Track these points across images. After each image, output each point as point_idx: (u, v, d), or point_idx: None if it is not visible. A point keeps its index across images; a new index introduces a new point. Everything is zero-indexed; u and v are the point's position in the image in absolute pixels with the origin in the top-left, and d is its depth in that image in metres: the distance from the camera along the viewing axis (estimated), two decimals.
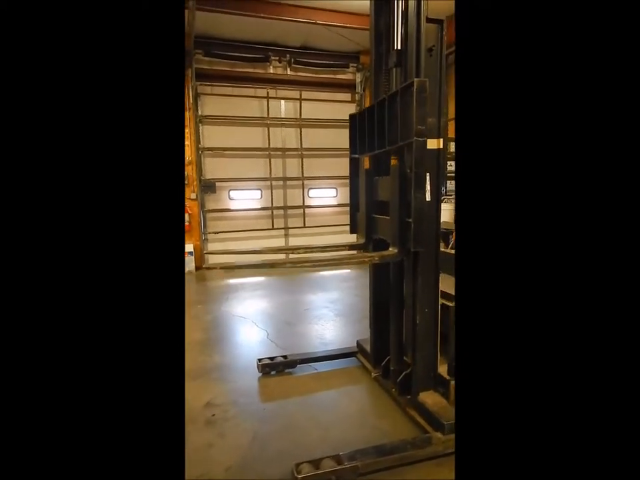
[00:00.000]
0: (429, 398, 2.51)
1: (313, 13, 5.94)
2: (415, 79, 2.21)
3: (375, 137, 2.72)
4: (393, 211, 2.56)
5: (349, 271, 7.86)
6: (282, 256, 4.01)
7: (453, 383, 2.52)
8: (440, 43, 2.33)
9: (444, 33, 2.30)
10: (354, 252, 3.51)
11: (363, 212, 2.98)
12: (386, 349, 2.93)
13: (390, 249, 2.63)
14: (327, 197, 8.76)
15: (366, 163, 2.96)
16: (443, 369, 2.60)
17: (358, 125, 2.99)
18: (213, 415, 2.70)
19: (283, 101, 8.09)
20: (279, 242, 8.48)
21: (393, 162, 2.53)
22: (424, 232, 2.39)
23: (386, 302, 2.93)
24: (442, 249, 2.98)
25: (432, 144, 2.43)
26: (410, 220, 2.39)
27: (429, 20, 2.24)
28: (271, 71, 7.85)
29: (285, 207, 8.42)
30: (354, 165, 3.13)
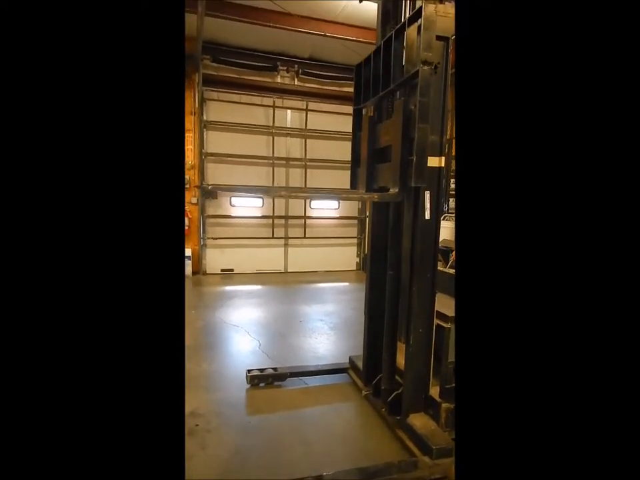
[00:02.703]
0: (419, 420, 2.44)
1: (322, 25, 5.98)
2: (424, 4, 2.18)
3: (380, 78, 2.71)
4: (395, 150, 2.51)
5: (346, 283, 7.81)
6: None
7: (444, 405, 2.45)
8: (445, 61, 2.31)
9: (449, 50, 2.29)
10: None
11: (365, 162, 2.92)
12: (378, 367, 2.87)
13: (390, 190, 2.57)
14: (328, 208, 8.75)
15: (370, 110, 2.93)
16: (434, 391, 2.54)
17: (363, 71, 2.98)
18: (196, 425, 2.63)
19: (289, 111, 8.13)
20: (279, 251, 8.45)
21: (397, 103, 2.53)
22: (425, 169, 2.32)
23: (381, 319, 2.87)
24: (440, 268, 2.95)
25: (433, 162, 2.41)
26: (412, 157, 2.33)
27: (437, 37, 2.22)
28: (279, 81, 7.89)
29: (287, 217, 8.40)
30: (357, 116, 3.10)
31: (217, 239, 7.91)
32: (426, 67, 2.22)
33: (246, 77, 7.59)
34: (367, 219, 7.83)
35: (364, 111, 3.06)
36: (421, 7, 2.20)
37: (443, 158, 2.44)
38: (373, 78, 2.80)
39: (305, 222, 8.51)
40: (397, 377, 2.72)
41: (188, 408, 2.79)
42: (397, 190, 2.48)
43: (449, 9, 2.18)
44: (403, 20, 2.54)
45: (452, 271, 3.15)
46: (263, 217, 8.23)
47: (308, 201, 8.52)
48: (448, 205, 7.75)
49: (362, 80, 2.99)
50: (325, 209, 8.72)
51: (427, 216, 2.46)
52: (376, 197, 2.71)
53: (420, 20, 2.23)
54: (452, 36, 2.25)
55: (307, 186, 8.38)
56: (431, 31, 2.20)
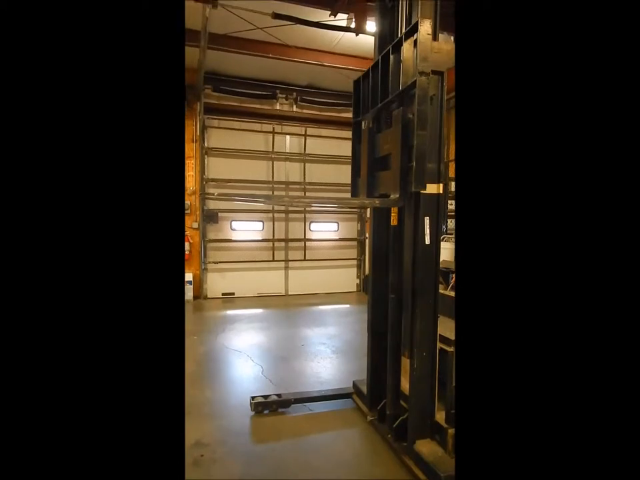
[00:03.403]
0: (425, 447, 2.43)
1: (320, 55, 6.20)
2: (420, 18, 2.30)
3: (378, 91, 2.81)
4: (395, 157, 2.58)
5: (347, 305, 7.80)
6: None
7: (450, 431, 2.44)
8: (440, 93, 2.42)
9: (444, 83, 2.39)
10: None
11: (365, 171, 2.99)
12: (383, 392, 2.87)
13: (391, 196, 2.62)
14: (328, 230, 8.82)
15: (369, 122, 3.02)
16: (440, 416, 2.53)
17: (362, 86, 3.10)
18: (202, 455, 2.61)
19: (288, 136, 8.30)
20: (279, 274, 8.47)
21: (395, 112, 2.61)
22: (424, 174, 2.38)
23: (384, 343, 2.88)
24: (441, 291, 2.98)
25: (432, 189, 2.48)
26: (411, 163, 2.38)
27: (432, 72, 2.33)
28: (278, 108, 8.10)
29: (287, 240, 8.46)
30: (357, 129, 3.19)
31: (217, 262, 7.94)
32: (423, 77, 2.32)
33: (246, 105, 7.79)
34: (367, 240, 7.89)
35: (363, 124, 3.15)
36: (417, 22, 2.33)
37: (442, 185, 2.51)
38: (372, 91, 2.93)
39: (304, 244, 8.56)
40: (402, 402, 2.72)
41: (192, 437, 2.77)
42: (397, 195, 2.55)
43: (443, 44, 2.30)
44: (400, 35, 2.67)
45: (453, 294, 3.18)
46: (263, 240, 8.29)
47: (308, 223, 8.60)
48: (447, 226, 7.83)
49: (361, 94, 3.13)
50: (324, 231, 8.79)
51: (427, 241, 2.51)
52: (377, 202, 2.77)
53: (416, 34, 2.35)
54: (447, 70, 2.36)
55: (306, 209, 8.47)
56: (426, 43, 2.31)
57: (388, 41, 2.98)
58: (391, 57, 2.70)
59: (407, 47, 2.55)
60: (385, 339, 2.86)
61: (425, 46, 2.31)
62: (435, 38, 2.34)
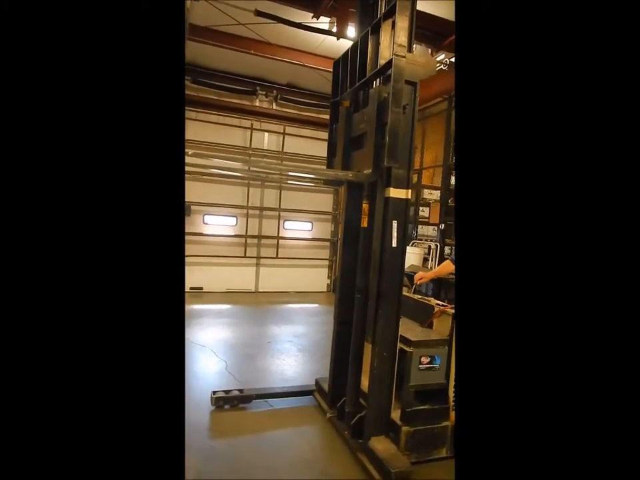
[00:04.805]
0: (380, 444, 2.50)
1: (301, 55, 6.23)
2: (398, 1, 2.36)
3: (356, 71, 2.88)
4: (370, 135, 2.66)
5: (316, 305, 7.85)
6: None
7: (404, 429, 2.53)
8: (413, 102, 2.50)
9: (417, 94, 2.48)
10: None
11: (340, 151, 3.05)
12: (344, 390, 2.93)
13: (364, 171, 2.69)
14: (302, 229, 8.85)
15: (345, 103, 3.08)
16: (396, 414, 2.61)
17: (341, 66, 3.16)
18: None
19: (266, 134, 8.27)
20: (250, 271, 8.43)
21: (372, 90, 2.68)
22: (398, 149, 2.44)
23: (348, 342, 2.94)
24: (405, 293, 3.07)
25: (400, 194, 2.56)
26: (384, 140, 2.44)
27: (405, 82, 2.41)
28: (257, 104, 8.06)
29: (259, 237, 8.43)
30: (334, 109, 3.24)
31: (187, 256, 7.82)
32: (398, 56, 2.38)
33: (225, 99, 7.71)
34: (339, 241, 7.97)
35: (340, 102, 3.19)
36: (395, 3, 2.40)
37: (410, 191, 2.60)
38: (350, 71, 2.99)
39: (277, 242, 8.55)
40: (361, 400, 2.79)
41: None
42: (370, 170, 2.62)
43: (418, 57, 2.38)
44: (379, 16, 2.74)
45: (416, 297, 3.29)
46: (235, 235, 8.23)
47: (282, 221, 8.60)
48: (417, 232, 8.02)
49: (339, 75, 3.19)
50: (298, 230, 8.81)
51: (394, 244, 2.59)
52: (350, 175, 2.83)
53: (394, 16, 2.42)
54: (419, 80, 2.45)
55: (282, 206, 8.48)
56: (404, 24, 2.39)
57: (369, 17, 3.01)
58: (370, 37, 2.77)
59: (384, 28, 2.64)
60: (349, 338, 2.92)
61: (402, 25, 2.39)
62: (411, 24, 2.42)
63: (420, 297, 3.37)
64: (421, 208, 8.01)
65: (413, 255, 7.03)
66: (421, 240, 7.85)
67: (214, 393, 3.23)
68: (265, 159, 8.23)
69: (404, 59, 2.39)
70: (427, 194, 8.14)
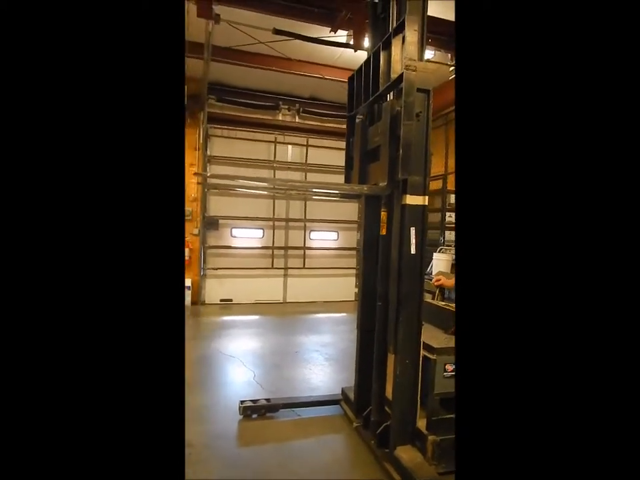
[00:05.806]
0: (406, 453, 2.47)
1: (321, 68, 6.36)
2: (407, 16, 2.41)
3: (370, 85, 2.93)
4: (384, 148, 2.69)
5: (344, 314, 7.84)
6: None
7: (430, 438, 2.49)
8: (426, 110, 2.51)
9: (430, 101, 2.49)
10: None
11: (357, 164, 3.10)
12: (369, 399, 2.92)
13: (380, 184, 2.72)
14: (328, 239, 8.90)
15: (361, 116, 3.11)
16: (422, 423, 2.58)
17: (355, 82, 3.23)
18: (190, 454, 2.66)
19: (290, 146, 8.44)
20: (278, 282, 8.54)
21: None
22: (412, 161, 2.46)
23: (371, 350, 2.94)
24: (428, 300, 3.04)
25: (417, 200, 2.56)
26: (399, 152, 2.46)
27: (418, 90, 2.44)
28: (280, 118, 8.25)
29: (286, 247, 8.55)
30: (350, 123, 3.31)
31: (217, 269, 8.03)
32: (409, 71, 2.41)
33: (249, 115, 7.94)
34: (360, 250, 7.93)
35: (357, 119, 3.24)
36: (404, 18, 2.44)
37: (427, 197, 2.60)
38: (364, 86, 3.05)
39: (304, 252, 8.64)
40: (386, 409, 2.77)
41: None
42: (385, 183, 2.65)
43: (429, 65, 2.40)
44: (389, 31, 2.79)
45: (440, 304, 3.24)
46: (262, 247, 8.38)
47: (308, 231, 8.69)
48: (444, 238, 7.89)
49: (354, 90, 3.26)
50: (324, 240, 8.87)
51: (413, 250, 2.59)
52: (366, 188, 2.88)
53: (404, 31, 2.47)
54: (431, 88, 2.46)
55: (307, 217, 8.58)
56: (413, 39, 2.43)
57: (380, 34, 3.08)
58: (381, 53, 2.82)
59: (395, 43, 2.69)
60: (373, 343, 2.91)
61: (411, 40, 2.43)
62: (422, 35, 2.45)
63: (444, 303, 3.32)
64: (447, 213, 7.88)
65: (440, 262, 6.91)
66: (449, 246, 7.71)
67: (242, 402, 3.29)
68: (288, 171, 8.38)
69: (414, 72, 2.41)
70: (453, 199, 8.01)
